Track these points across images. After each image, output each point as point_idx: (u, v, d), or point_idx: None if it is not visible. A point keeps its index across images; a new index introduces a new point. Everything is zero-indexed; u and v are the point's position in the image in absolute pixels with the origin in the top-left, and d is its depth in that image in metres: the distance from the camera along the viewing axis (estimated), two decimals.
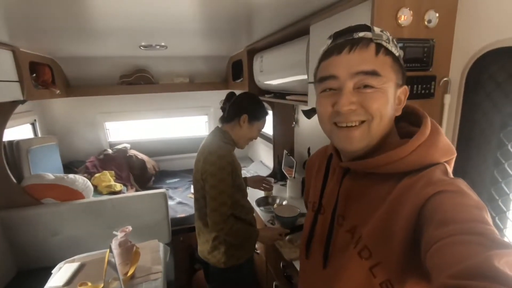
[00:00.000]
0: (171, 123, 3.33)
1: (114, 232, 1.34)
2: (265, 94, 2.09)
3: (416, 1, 0.89)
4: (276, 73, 1.77)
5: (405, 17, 0.88)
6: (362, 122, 0.53)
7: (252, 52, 2.15)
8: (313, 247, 0.66)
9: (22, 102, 1.74)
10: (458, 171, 0.98)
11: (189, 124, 3.39)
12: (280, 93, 1.90)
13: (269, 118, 2.57)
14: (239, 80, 2.53)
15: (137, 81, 2.70)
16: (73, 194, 1.96)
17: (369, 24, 0.54)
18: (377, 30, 0.54)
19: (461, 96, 0.95)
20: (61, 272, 1.41)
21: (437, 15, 0.91)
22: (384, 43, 0.53)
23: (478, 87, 0.88)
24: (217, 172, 1.19)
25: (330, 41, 0.57)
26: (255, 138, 1.40)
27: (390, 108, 0.54)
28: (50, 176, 1.95)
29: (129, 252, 1.36)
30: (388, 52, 0.53)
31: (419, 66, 0.94)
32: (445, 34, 0.95)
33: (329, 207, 0.63)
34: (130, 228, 1.40)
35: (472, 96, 0.91)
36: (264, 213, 1.85)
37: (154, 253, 1.57)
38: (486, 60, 0.85)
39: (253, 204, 1.95)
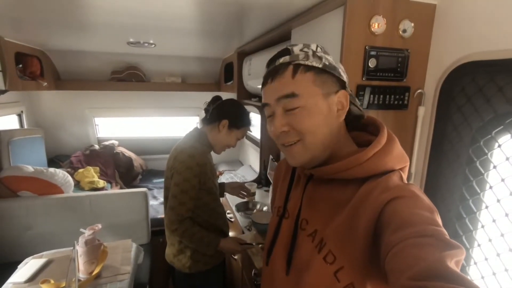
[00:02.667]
0: (161, 122, 3.31)
1: (81, 230, 1.31)
2: (252, 98, 2.07)
3: (391, 10, 0.87)
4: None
5: (378, 25, 0.86)
6: (298, 140, 0.57)
7: (243, 54, 2.14)
8: (275, 253, 0.66)
9: (3, 91, 1.72)
10: (430, 186, 0.95)
11: (180, 124, 3.36)
12: None
13: (257, 123, 2.56)
14: (230, 82, 2.52)
15: (129, 78, 2.69)
16: (52, 188, 1.93)
17: (289, 47, 0.58)
18: (296, 50, 0.57)
19: (434, 109, 0.92)
20: (26, 268, 1.37)
21: (413, 25, 0.89)
22: (301, 62, 0.56)
23: (450, 100, 0.86)
24: (183, 171, 1.16)
25: (267, 69, 0.61)
26: (233, 146, 1.36)
27: (324, 119, 0.56)
28: (29, 168, 1.92)
29: (96, 251, 1.32)
30: (308, 69, 0.56)
31: (392, 76, 0.92)
32: (421, 45, 0.93)
33: (293, 211, 0.65)
34: (99, 226, 1.36)
35: (445, 109, 0.88)
36: (243, 218, 1.82)
37: (125, 253, 1.53)
38: (458, 74, 0.83)
39: (233, 209, 1.92)
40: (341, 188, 0.57)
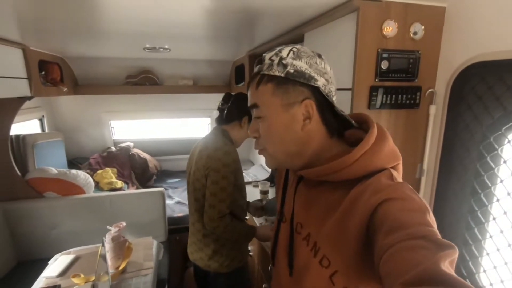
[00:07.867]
0: (174, 124, 3.39)
1: (108, 227, 1.39)
2: None
3: (402, 14, 0.91)
4: None
5: (390, 28, 0.91)
6: (263, 149, 0.62)
7: (254, 57, 2.19)
8: (278, 255, 0.68)
9: (29, 98, 1.82)
10: (442, 182, 0.99)
11: (192, 125, 3.44)
12: None
13: None
14: (241, 84, 2.57)
15: (142, 82, 2.78)
16: (74, 189, 2.02)
17: (264, 54, 0.59)
18: (266, 58, 0.58)
19: (445, 108, 0.96)
20: (57, 263, 1.46)
21: (423, 27, 0.93)
22: (265, 72, 0.57)
23: (460, 99, 0.89)
24: (221, 169, 1.17)
25: None
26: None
27: (285, 130, 0.57)
28: (53, 170, 2.02)
29: (122, 247, 1.40)
30: (270, 79, 0.57)
31: (404, 76, 0.96)
32: (431, 47, 0.97)
33: (288, 215, 0.65)
34: (124, 223, 1.44)
35: (455, 107, 0.92)
36: (257, 218, 1.87)
37: (147, 250, 1.61)
38: (468, 73, 0.87)
39: None
40: (331, 190, 0.56)
